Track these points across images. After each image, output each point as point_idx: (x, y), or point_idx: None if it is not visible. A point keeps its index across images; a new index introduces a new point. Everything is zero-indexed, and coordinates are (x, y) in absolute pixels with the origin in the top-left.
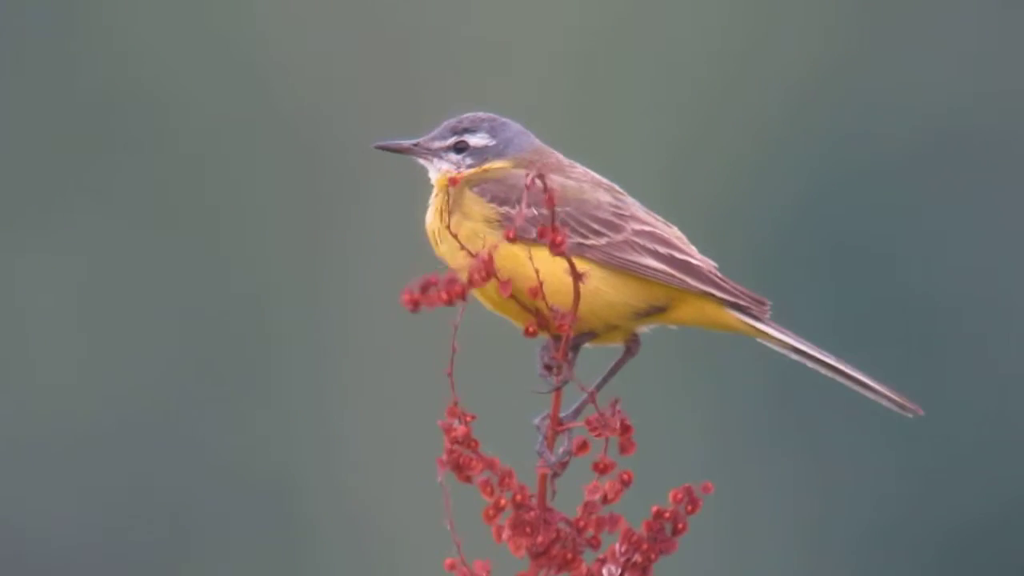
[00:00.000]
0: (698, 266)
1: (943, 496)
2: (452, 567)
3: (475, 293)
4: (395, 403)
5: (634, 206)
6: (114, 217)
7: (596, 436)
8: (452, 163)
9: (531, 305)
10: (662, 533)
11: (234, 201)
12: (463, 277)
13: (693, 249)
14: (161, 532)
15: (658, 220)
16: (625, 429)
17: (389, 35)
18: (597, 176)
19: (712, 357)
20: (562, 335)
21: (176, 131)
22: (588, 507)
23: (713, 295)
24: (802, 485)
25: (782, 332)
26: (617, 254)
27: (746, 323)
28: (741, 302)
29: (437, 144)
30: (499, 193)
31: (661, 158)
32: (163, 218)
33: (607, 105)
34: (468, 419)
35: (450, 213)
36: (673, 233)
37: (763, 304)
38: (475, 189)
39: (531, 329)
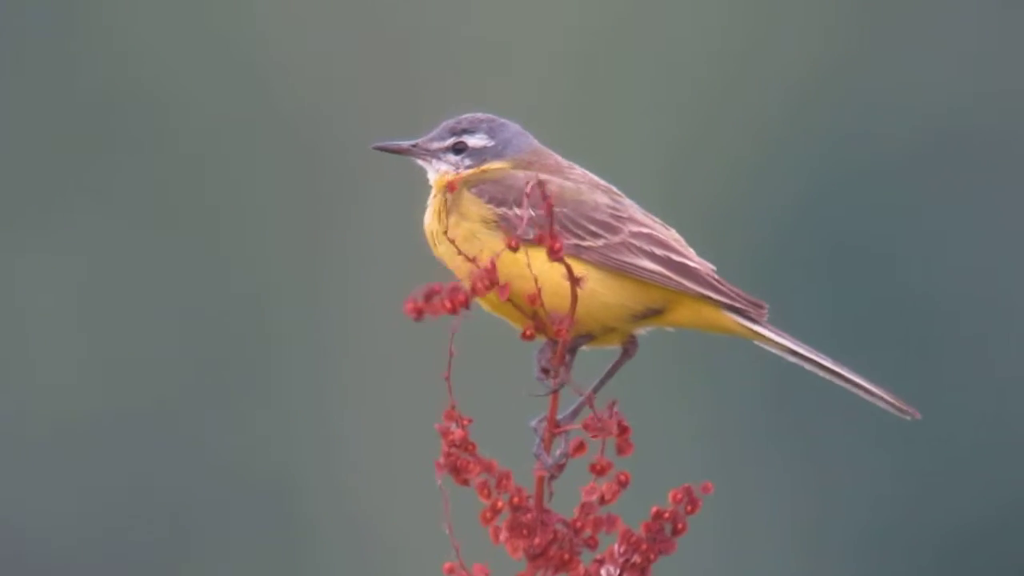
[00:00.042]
0: (695, 268)
1: (940, 498)
2: (451, 571)
3: None
4: (395, 403)
5: (632, 208)
6: (114, 217)
7: (593, 437)
8: (451, 164)
9: (528, 310)
10: (661, 534)
11: (234, 201)
12: (463, 281)
13: (691, 251)
14: (161, 532)
15: (656, 222)
16: (623, 430)
17: (389, 35)
18: (595, 178)
19: (710, 359)
20: (559, 339)
21: (176, 131)
22: (585, 508)
23: (710, 297)
24: (799, 487)
25: (779, 335)
26: (614, 256)
27: (743, 326)
28: (738, 305)
29: (436, 145)
30: (497, 194)
31: (661, 158)
32: (163, 218)
33: (607, 105)
34: (465, 422)
35: (448, 213)
36: (671, 235)
37: (760, 307)
38: (473, 190)
39: (528, 332)
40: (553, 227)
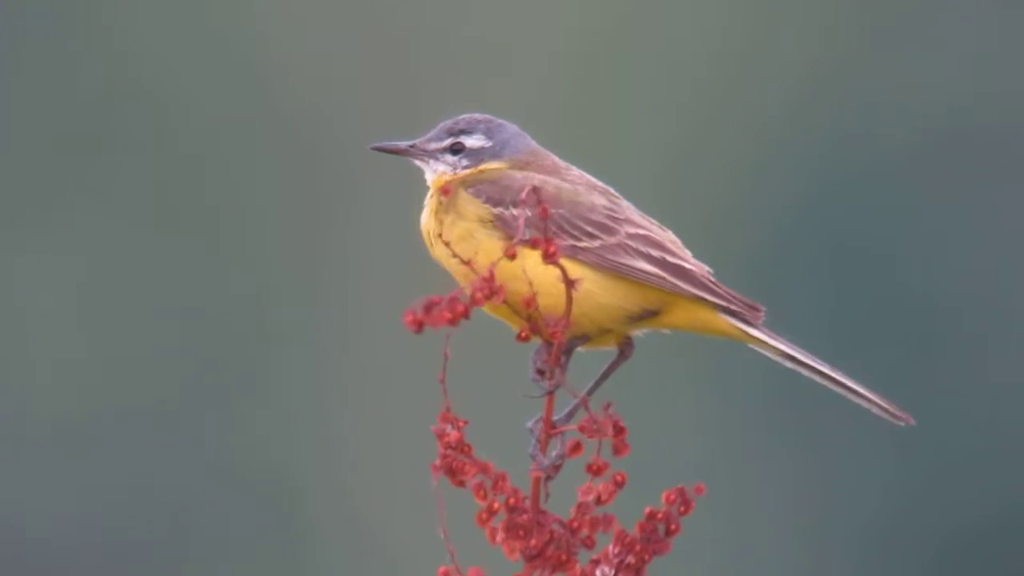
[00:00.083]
0: (691, 270)
1: (943, 497)
2: (446, 575)
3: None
4: (395, 403)
5: (629, 209)
6: (114, 217)
7: (589, 438)
8: (448, 164)
9: (524, 313)
10: (655, 534)
11: (234, 201)
12: (460, 281)
13: (687, 253)
14: (161, 532)
15: (653, 224)
16: (618, 431)
17: (389, 35)
18: (592, 179)
19: (713, 353)
20: (554, 340)
21: (176, 131)
22: (582, 508)
23: (705, 299)
24: (802, 483)
25: (775, 338)
26: (610, 257)
27: (739, 328)
28: (734, 307)
29: (433, 145)
30: (494, 194)
31: (661, 158)
32: (163, 218)
33: (607, 105)
34: (461, 424)
35: (445, 213)
36: (667, 237)
37: (757, 310)
38: (470, 190)
39: (524, 334)
40: (548, 230)
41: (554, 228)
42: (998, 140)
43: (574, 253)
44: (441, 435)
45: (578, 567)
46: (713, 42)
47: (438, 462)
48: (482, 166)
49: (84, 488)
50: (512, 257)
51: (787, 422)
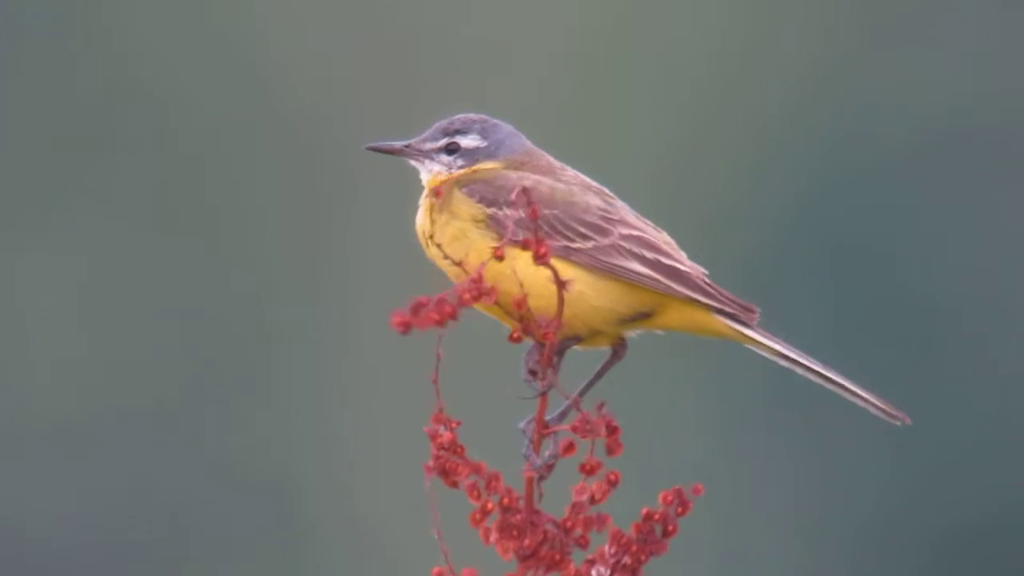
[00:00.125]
0: (685, 272)
1: (940, 496)
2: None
3: None
4: (395, 403)
5: (623, 210)
6: (114, 217)
7: (582, 438)
8: (443, 164)
9: (516, 315)
10: (652, 535)
11: (234, 201)
12: (455, 281)
13: (682, 255)
14: (161, 532)
15: (648, 225)
16: (612, 431)
17: (389, 35)
18: (588, 179)
19: (710, 355)
20: (546, 341)
21: (176, 131)
22: (576, 508)
23: (699, 301)
24: (800, 483)
25: (771, 339)
26: (603, 258)
27: (734, 329)
28: (727, 309)
29: (428, 146)
30: (488, 194)
31: (661, 158)
32: (163, 218)
33: (607, 105)
34: (454, 425)
35: (439, 212)
36: (662, 238)
37: (751, 311)
38: (464, 189)
39: (516, 335)
40: (539, 232)
41: (547, 229)
42: (998, 140)
43: (567, 254)
44: (434, 436)
45: (572, 567)
46: (713, 42)
47: (431, 463)
48: (476, 166)
49: (84, 488)
50: (500, 258)
51: (785, 422)
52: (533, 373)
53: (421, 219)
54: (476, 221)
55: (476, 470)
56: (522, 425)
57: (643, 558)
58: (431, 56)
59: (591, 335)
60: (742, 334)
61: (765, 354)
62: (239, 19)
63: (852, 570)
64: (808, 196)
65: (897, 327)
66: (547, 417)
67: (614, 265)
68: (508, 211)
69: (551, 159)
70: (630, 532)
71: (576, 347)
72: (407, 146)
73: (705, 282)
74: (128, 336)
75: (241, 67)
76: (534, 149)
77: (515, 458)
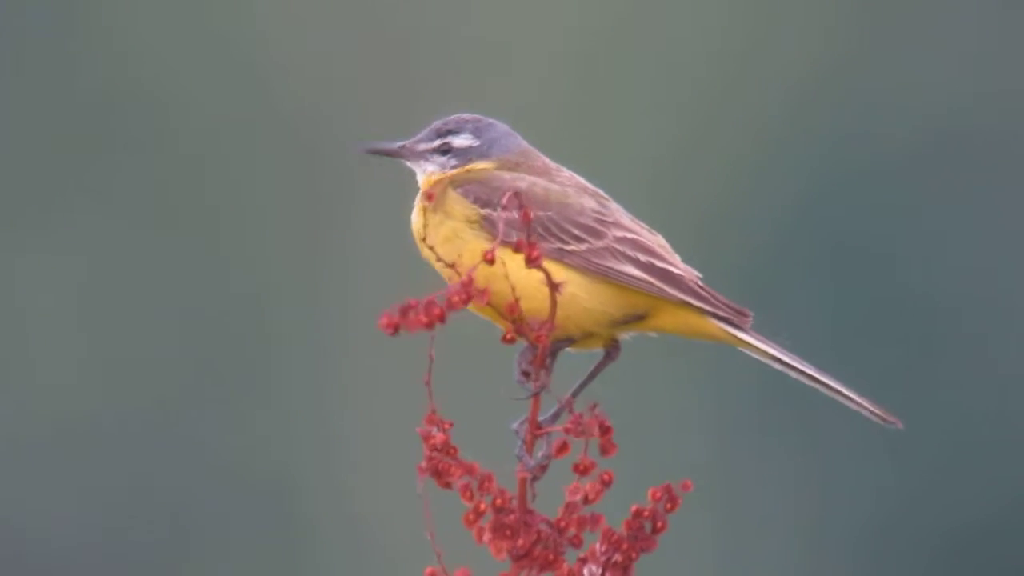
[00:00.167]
0: (679, 275)
1: (940, 497)
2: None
3: None
4: (395, 403)
5: (618, 212)
6: (114, 217)
7: (575, 438)
8: (437, 165)
9: (508, 317)
10: (642, 532)
11: (234, 201)
12: (449, 281)
13: (676, 258)
14: (161, 532)
15: (642, 228)
16: (605, 431)
17: (389, 35)
18: (583, 181)
19: (708, 356)
20: (538, 343)
21: (176, 131)
22: (569, 508)
23: (692, 304)
24: (799, 484)
25: (764, 342)
26: (597, 260)
27: (728, 332)
28: (720, 312)
29: (422, 146)
30: (482, 195)
31: (661, 158)
32: (163, 218)
33: (607, 105)
34: (446, 426)
35: (433, 212)
36: (656, 241)
37: (745, 315)
38: (459, 189)
39: (509, 336)
40: (531, 235)
41: (541, 230)
42: (998, 140)
43: (560, 256)
44: (427, 437)
45: (565, 566)
46: (713, 42)
47: (424, 464)
48: (469, 166)
49: (84, 488)
50: (491, 262)
51: (783, 423)
52: (526, 374)
53: (416, 220)
54: (470, 222)
55: (469, 471)
56: (515, 426)
57: (634, 555)
58: (431, 56)
59: (584, 337)
60: (735, 337)
61: (758, 357)
62: (239, 19)
63: (851, 571)
64: (808, 196)
65: (897, 327)
66: (540, 418)
67: (607, 268)
68: (502, 212)
69: (547, 160)
70: (620, 529)
71: (569, 349)
72: (402, 147)
73: (699, 285)
74: (128, 336)
75: (241, 67)
76: (530, 150)
77: (508, 459)
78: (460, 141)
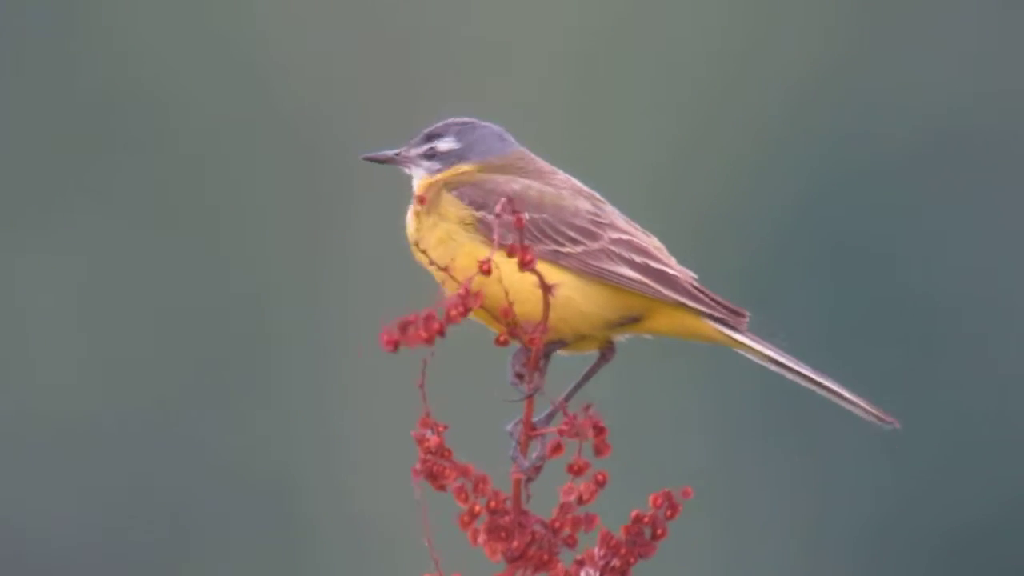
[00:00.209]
0: (674, 276)
1: (941, 497)
2: None
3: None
4: (395, 403)
5: (613, 215)
6: (114, 217)
7: (570, 439)
8: (425, 169)
9: (502, 321)
10: (641, 537)
11: (234, 201)
12: (443, 285)
13: (672, 259)
14: (161, 532)
15: (637, 230)
16: (599, 431)
17: (389, 35)
18: (578, 183)
19: (708, 357)
20: (532, 346)
21: (176, 131)
22: (564, 508)
23: (687, 305)
24: (798, 486)
25: (760, 343)
26: (592, 263)
27: (724, 334)
28: (716, 313)
29: (413, 152)
30: (477, 197)
31: (661, 158)
32: (163, 218)
33: (607, 105)
34: (441, 429)
35: (427, 214)
36: (651, 243)
37: (741, 315)
38: (453, 192)
39: (502, 338)
40: (523, 239)
41: (536, 233)
42: (998, 140)
43: (556, 259)
44: (421, 440)
45: (560, 567)
46: (713, 42)
47: (419, 466)
48: (451, 170)
49: (84, 488)
50: (487, 272)
51: (783, 424)
52: (520, 376)
53: (409, 224)
54: (464, 224)
55: (464, 473)
56: (509, 428)
57: (632, 560)
58: (431, 56)
59: (577, 339)
60: (731, 338)
61: (754, 359)
62: (239, 19)
63: (850, 571)
64: (808, 196)
65: (897, 327)
66: (534, 419)
67: (603, 269)
68: (496, 215)
69: (542, 162)
70: (619, 535)
71: (563, 352)
72: (397, 154)
73: (694, 286)
74: (128, 336)
75: (241, 67)
76: (523, 152)
77: (503, 460)
78: (444, 145)
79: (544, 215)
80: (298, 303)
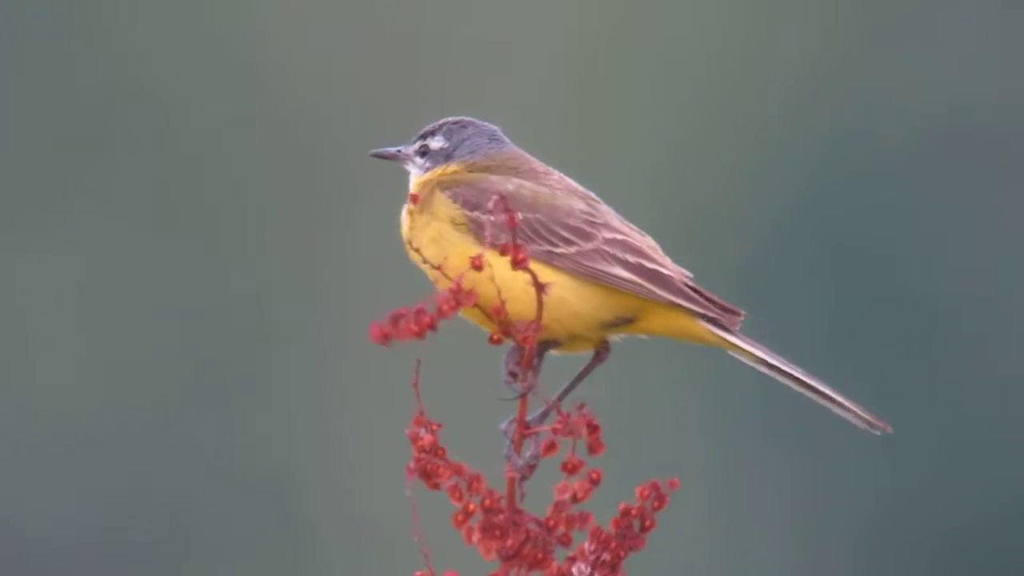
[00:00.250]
0: (668, 276)
1: (940, 497)
2: None
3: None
4: (394, 403)
5: (608, 214)
6: (114, 217)
7: (564, 437)
8: (418, 167)
9: (495, 319)
10: (630, 530)
11: (234, 201)
12: (436, 283)
13: (666, 259)
14: (161, 532)
15: (632, 229)
16: (592, 430)
17: (389, 35)
18: (573, 183)
19: (707, 357)
20: (525, 345)
21: (176, 131)
22: (558, 506)
23: (681, 306)
24: (798, 485)
25: (752, 345)
26: (586, 263)
27: (716, 335)
28: (710, 314)
29: (410, 150)
30: (470, 197)
31: (661, 158)
32: (163, 218)
33: (607, 105)
34: (434, 428)
35: (419, 213)
36: (646, 243)
37: (736, 314)
38: (446, 192)
39: (496, 337)
40: (516, 238)
41: (530, 233)
42: (998, 140)
43: (549, 259)
44: (415, 439)
45: (555, 565)
46: (713, 42)
47: (412, 465)
48: (439, 168)
49: (84, 488)
50: (479, 268)
51: (782, 423)
52: (513, 375)
53: (403, 222)
54: (455, 223)
55: (458, 471)
56: (503, 426)
57: (622, 553)
58: (431, 56)
59: (570, 340)
60: (723, 339)
61: (747, 360)
62: (239, 19)
63: (850, 571)
64: (808, 196)
65: (897, 327)
66: (528, 418)
67: (597, 270)
68: (489, 215)
69: (536, 163)
70: (609, 528)
71: (556, 352)
72: (398, 151)
73: (688, 286)
74: (128, 336)
75: (241, 67)
76: (517, 152)
77: (497, 459)
78: (434, 143)
79: (538, 215)
80: (298, 303)
